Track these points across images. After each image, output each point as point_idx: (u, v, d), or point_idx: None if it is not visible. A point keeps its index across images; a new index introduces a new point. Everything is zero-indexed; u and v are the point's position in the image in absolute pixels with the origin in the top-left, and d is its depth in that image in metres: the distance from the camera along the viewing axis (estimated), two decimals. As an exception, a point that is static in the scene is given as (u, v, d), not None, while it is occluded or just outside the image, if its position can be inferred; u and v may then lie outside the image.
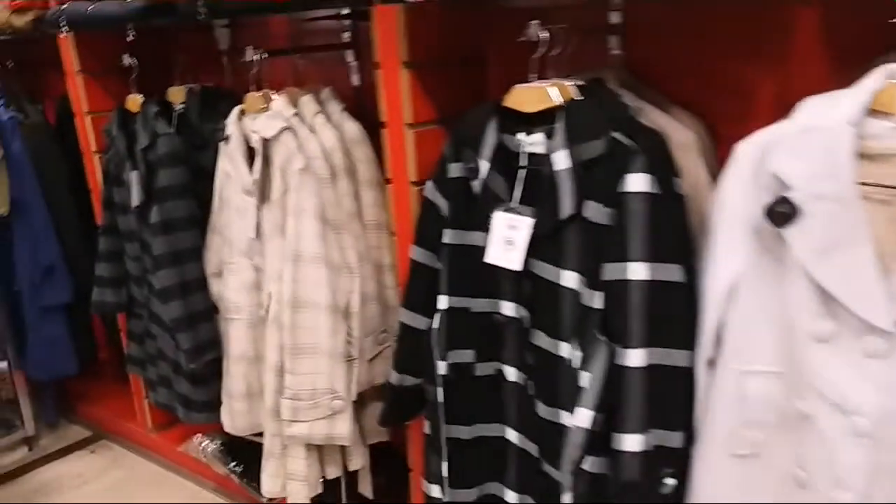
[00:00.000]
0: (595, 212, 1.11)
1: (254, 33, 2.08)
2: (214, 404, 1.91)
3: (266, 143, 1.54)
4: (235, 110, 1.69)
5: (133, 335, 2.20)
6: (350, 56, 1.84)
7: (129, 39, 1.75)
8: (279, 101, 1.59)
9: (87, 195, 2.33)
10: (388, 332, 1.66)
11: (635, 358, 1.08)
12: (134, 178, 1.91)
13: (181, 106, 1.95)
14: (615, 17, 1.41)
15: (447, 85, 1.50)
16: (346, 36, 1.83)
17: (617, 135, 1.10)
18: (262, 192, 1.59)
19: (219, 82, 2.09)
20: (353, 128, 1.62)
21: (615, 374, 1.10)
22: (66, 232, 2.35)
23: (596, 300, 1.11)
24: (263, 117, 1.55)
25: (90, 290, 2.40)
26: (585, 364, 1.12)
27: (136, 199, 1.92)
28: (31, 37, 2.14)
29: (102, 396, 2.73)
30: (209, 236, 1.85)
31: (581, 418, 1.12)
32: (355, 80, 1.86)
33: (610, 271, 1.09)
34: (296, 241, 1.50)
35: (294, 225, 1.50)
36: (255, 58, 1.60)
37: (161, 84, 2.00)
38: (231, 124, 1.69)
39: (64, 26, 1.87)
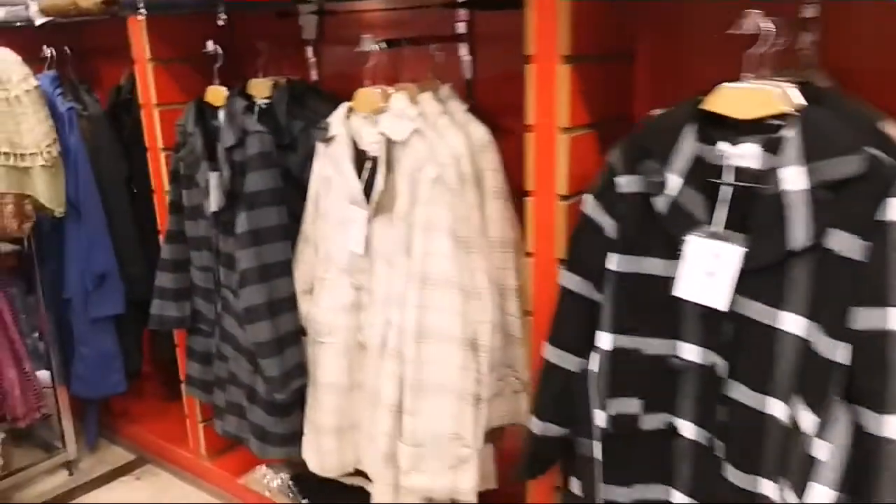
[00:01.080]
0: (844, 244, 0.92)
1: (344, 22, 1.91)
2: (295, 437, 1.73)
3: (390, 146, 1.37)
4: (342, 108, 1.52)
5: (194, 354, 2.03)
6: (464, 49, 1.66)
7: (220, 23, 1.58)
8: (399, 98, 1.42)
9: (140, 195, 2.18)
10: (510, 367, 1.48)
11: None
12: (213, 180, 1.74)
13: (264, 101, 1.78)
14: (810, 11, 1.23)
15: (603, 83, 1.33)
16: (461, 27, 1.65)
17: (872, 151, 0.91)
18: (379, 202, 1.41)
19: (300, 75, 1.92)
20: (479, 131, 1.44)
21: (865, 446, 0.91)
22: (120, 236, 2.18)
23: (839, 353, 0.93)
24: (388, 117, 1.37)
25: (140, 300, 2.26)
26: (822, 431, 0.93)
27: (214, 203, 1.75)
28: (93, 20, 1.97)
29: (146, 416, 2.56)
30: (300, 248, 1.67)
31: (819, 498, 0.93)
32: (467, 74, 1.68)
33: (863, 318, 0.90)
34: (424, 261, 1.32)
35: (423, 243, 1.32)
36: (372, 48, 1.42)
37: (235, 76, 1.83)
38: (336, 123, 1.52)
39: (141, 8, 1.71)
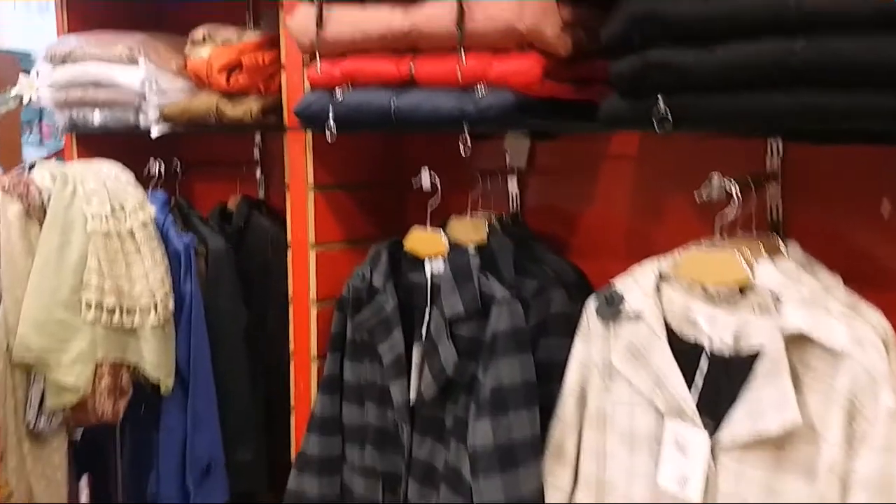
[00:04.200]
0: None
1: (568, 148, 1.51)
2: None
3: (791, 348, 0.92)
4: (651, 275, 1.09)
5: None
6: (773, 189, 1.25)
7: (463, 152, 1.16)
8: (768, 270, 0.98)
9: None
10: None
11: None
12: (417, 357, 1.28)
13: (474, 248, 1.35)
14: None
15: None
16: (774, 161, 1.25)
17: None
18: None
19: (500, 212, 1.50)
20: (875, 317, 1.00)
21: None
22: (231, 411, 1.68)
23: None
24: (795, 305, 0.93)
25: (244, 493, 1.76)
26: None
27: (414, 391, 1.29)
28: (240, 131, 1.57)
29: None
30: (549, 467, 1.19)
31: None
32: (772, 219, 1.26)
33: None
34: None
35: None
36: (732, 191, 1.00)
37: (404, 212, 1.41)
38: (638, 294, 1.08)
39: (330, 121, 1.29)
